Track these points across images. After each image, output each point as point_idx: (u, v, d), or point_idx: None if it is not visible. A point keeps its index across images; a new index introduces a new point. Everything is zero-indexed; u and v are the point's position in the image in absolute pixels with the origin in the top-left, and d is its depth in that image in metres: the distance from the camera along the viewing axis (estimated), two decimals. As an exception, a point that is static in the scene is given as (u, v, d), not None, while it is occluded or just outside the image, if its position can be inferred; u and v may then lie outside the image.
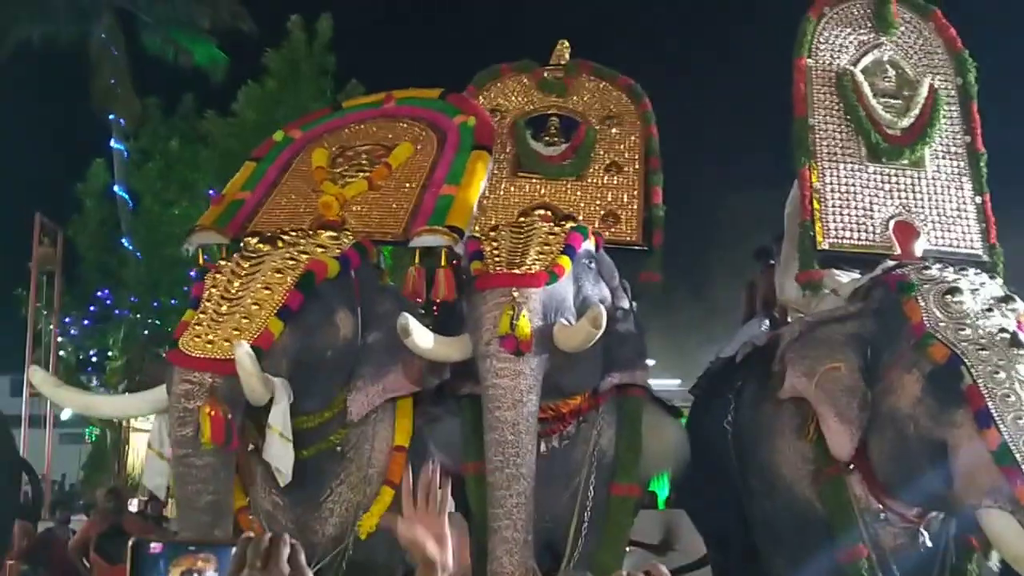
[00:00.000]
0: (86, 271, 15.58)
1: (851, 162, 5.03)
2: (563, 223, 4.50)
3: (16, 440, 5.95)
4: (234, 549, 1.28)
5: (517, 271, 4.09)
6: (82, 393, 4.65)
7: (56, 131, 18.43)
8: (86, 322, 15.37)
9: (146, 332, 15.23)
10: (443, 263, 4.61)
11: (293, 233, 4.38)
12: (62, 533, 8.53)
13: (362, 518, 4.34)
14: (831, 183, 4.94)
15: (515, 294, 3.98)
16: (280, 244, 4.23)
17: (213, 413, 3.66)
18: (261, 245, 4.22)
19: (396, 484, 4.39)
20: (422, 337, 3.99)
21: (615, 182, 5.37)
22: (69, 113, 17.91)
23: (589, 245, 4.41)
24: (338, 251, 4.28)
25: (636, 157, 5.48)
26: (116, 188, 16.25)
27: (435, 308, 5.04)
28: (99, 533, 7.47)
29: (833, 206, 4.89)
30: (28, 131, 17.46)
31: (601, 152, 5.49)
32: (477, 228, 4.89)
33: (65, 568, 7.69)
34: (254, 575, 1.23)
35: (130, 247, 15.80)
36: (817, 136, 5.03)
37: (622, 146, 5.55)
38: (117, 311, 15.33)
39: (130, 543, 1.40)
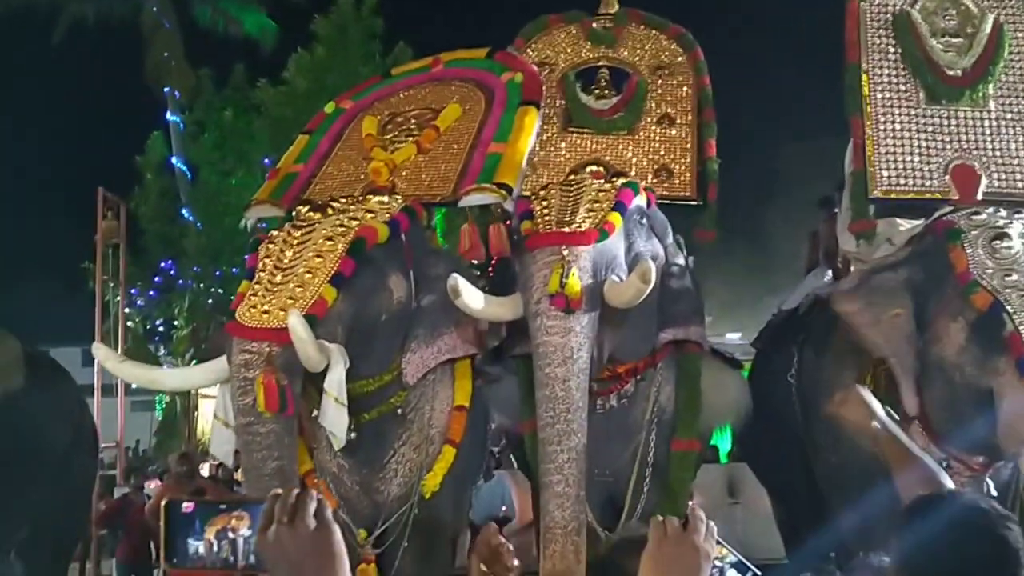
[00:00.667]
0: (149, 243, 15.90)
1: (907, 107, 4.86)
2: (614, 180, 4.43)
3: (90, 410, 6.11)
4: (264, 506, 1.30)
5: (567, 229, 4.05)
6: (146, 368, 4.74)
7: (114, 107, 18.76)
8: (152, 293, 15.73)
9: (210, 301, 15.54)
10: (494, 220, 4.61)
11: (343, 200, 4.40)
12: (137, 498, 8.80)
13: (426, 478, 4.41)
14: (885, 130, 4.79)
15: (565, 252, 3.94)
16: (330, 212, 4.25)
17: (267, 381, 3.71)
18: (312, 214, 4.25)
19: (457, 443, 4.47)
20: (472, 297, 4.00)
21: (667, 135, 5.28)
22: (126, 88, 18.19)
23: (641, 201, 4.34)
24: (388, 215, 4.28)
25: (689, 109, 5.38)
26: (174, 160, 16.50)
27: (491, 268, 5.04)
28: (173, 497, 7.68)
29: (887, 153, 4.74)
30: (87, 108, 17.82)
31: (653, 104, 5.40)
32: (527, 186, 4.87)
33: (142, 531, 7.92)
34: (282, 530, 1.24)
35: (190, 218, 16.07)
36: (871, 82, 4.88)
37: (674, 97, 5.44)
38: (181, 281, 15.66)
39: (163, 503, 1.42)
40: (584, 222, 4.08)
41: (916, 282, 4.15)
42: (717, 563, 1.69)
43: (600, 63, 5.64)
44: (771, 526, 5.78)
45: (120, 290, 11.56)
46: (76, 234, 13.39)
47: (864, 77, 4.87)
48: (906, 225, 4.72)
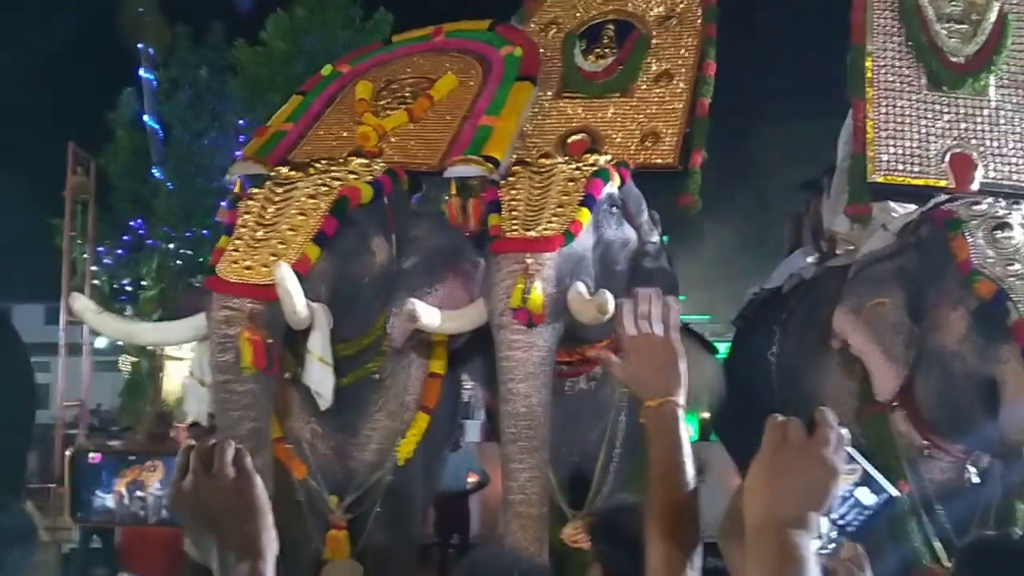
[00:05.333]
0: (118, 201, 15.61)
1: (909, 91, 4.86)
2: (587, 162, 4.35)
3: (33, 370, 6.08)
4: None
5: (532, 233, 3.98)
6: (124, 320, 4.67)
7: (87, 61, 18.35)
8: (120, 252, 15.47)
9: (179, 262, 15.32)
10: (476, 194, 4.55)
11: (324, 161, 4.33)
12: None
13: (399, 444, 4.39)
14: (886, 113, 4.78)
15: (528, 261, 3.89)
16: (311, 171, 4.19)
17: (253, 338, 3.65)
18: (292, 172, 4.18)
19: (431, 410, 4.47)
20: (430, 317, 3.95)
21: (662, 95, 5.17)
22: (99, 43, 17.79)
23: (611, 188, 4.27)
24: (370, 177, 4.23)
25: (690, 63, 5.24)
26: (146, 118, 16.19)
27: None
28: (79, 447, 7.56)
29: (887, 137, 4.74)
30: (59, 61, 17.41)
31: (652, 61, 5.29)
32: (517, 156, 4.81)
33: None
34: (198, 480, 1.15)
35: (161, 177, 15.81)
36: (874, 64, 4.84)
37: (676, 50, 5.31)
38: (150, 241, 15.42)
39: (68, 454, 1.33)
40: (550, 224, 4.00)
41: (911, 271, 4.17)
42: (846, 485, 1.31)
43: (608, 17, 5.54)
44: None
45: (88, 248, 11.33)
46: (41, 189, 13.14)
47: (868, 59, 4.83)
48: (900, 210, 4.72)
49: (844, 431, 1.29)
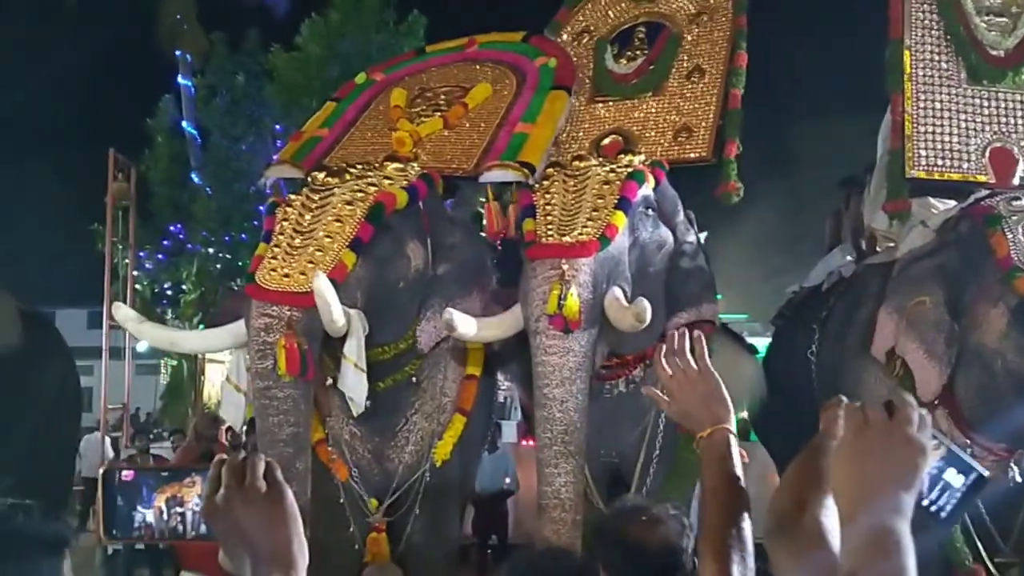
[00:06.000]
0: (158, 206, 15.83)
1: (948, 85, 4.78)
2: (621, 163, 4.34)
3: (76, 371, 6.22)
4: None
5: (567, 239, 3.98)
6: (165, 329, 4.75)
7: (127, 69, 18.64)
8: (160, 257, 15.69)
9: (218, 266, 15.50)
10: (512, 200, 4.57)
11: (360, 166, 4.36)
12: (143, 461, 8.79)
13: (436, 446, 4.42)
14: (925, 108, 4.71)
15: (564, 267, 3.88)
16: (348, 177, 4.21)
17: (289, 345, 3.69)
18: (329, 179, 4.21)
19: (467, 411, 4.50)
20: (466, 326, 3.98)
21: (694, 91, 5.16)
22: (138, 51, 18.05)
23: (646, 191, 4.27)
24: (405, 182, 4.25)
25: (722, 56, 5.23)
26: (184, 124, 16.40)
27: (499, 244, 5.00)
28: (196, 457, 7.66)
29: (926, 132, 4.67)
30: (100, 70, 17.67)
31: (684, 58, 5.29)
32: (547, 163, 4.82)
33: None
34: (231, 494, 1.17)
35: (200, 182, 16.01)
36: (913, 58, 4.77)
37: (708, 45, 5.30)
38: (189, 245, 15.61)
39: (101, 471, 1.35)
40: (585, 230, 4.00)
41: (951, 268, 4.11)
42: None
43: (640, 20, 5.55)
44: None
45: (130, 253, 11.49)
46: (83, 196, 13.34)
47: (907, 54, 4.77)
48: (940, 206, 4.65)
49: (924, 411, 1.27)
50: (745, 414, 5.73)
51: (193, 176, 16.09)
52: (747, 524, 1.56)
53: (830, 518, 1.31)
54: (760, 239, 15.12)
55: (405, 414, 4.43)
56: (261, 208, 5.09)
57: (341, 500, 4.44)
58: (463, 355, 4.52)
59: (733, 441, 1.66)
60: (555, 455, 3.92)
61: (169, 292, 15.98)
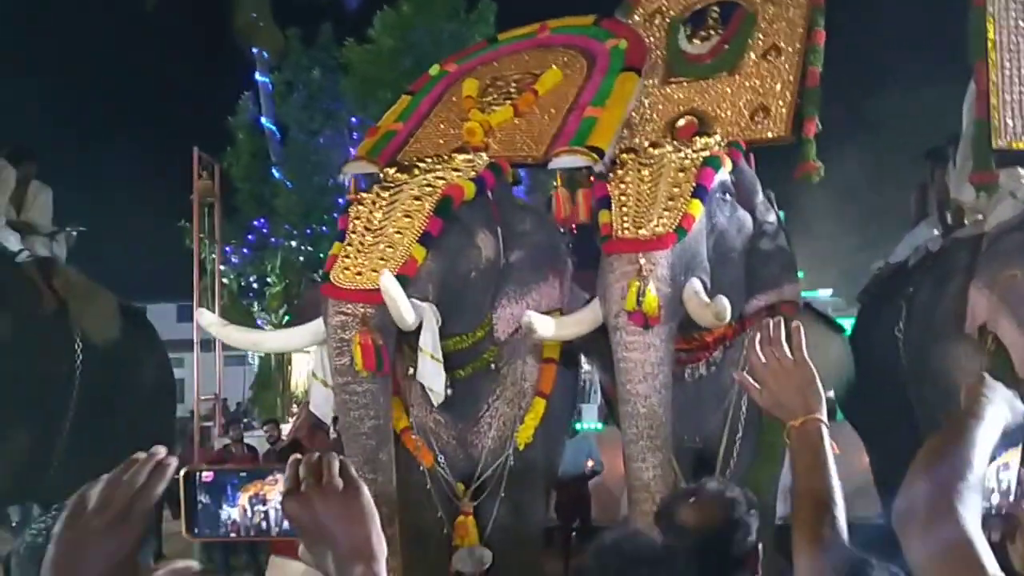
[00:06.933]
0: (242, 202, 16.24)
1: None
2: (696, 147, 4.28)
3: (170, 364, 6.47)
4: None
5: (644, 232, 3.94)
6: (247, 330, 4.89)
7: (207, 68, 19.10)
8: (245, 251, 16.09)
9: (301, 259, 15.84)
10: (583, 184, 4.56)
11: (429, 160, 4.41)
12: (238, 450, 9.07)
13: (519, 430, 4.48)
14: (1010, 77, 4.54)
15: (642, 261, 3.86)
16: (416, 172, 4.27)
17: (364, 342, 3.79)
18: (399, 174, 4.28)
19: (547, 395, 4.54)
20: (545, 327, 4.00)
21: (770, 70, 5.04)
22: (216, 50, 18.49)
23: (723, 175, 4.21)
24: (473, 173, 4.29)
25: (798, 34, 5.10)
26: (263, 120, 16.76)
27: (574, 231, 5.00)
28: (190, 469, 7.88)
29: (1012, 101, 4.50)
30: (181, 71, 18.14)
31: (759, 37, 5.17)
32: (620, 148, 4.79)
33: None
34: (308, 492, 1.20)
35: (280, 177, 16.35)
36: (997, 26, 4.61)
37: (784, 23, 5.17)
38: (273, 239, 15.98)
39: (183, 473, 1.39)
40: (662, 220, 3.96)
41: None
42: None
43: (713, 1, 5.47)
44: (867, 485, 5.66)
45: (216, 248, 11.84)
46: (170, 194, 13.75)
47: (990, 21, 4.60)
48: (1029, 177, 4.51)
49: None
50: (832, 393, 5.64)
51: (274, 171, 16.45)
52: (841, 514, 1.57)
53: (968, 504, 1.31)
54: (844, 214, 14.80)
55: (487, 400, 4.50)
56: (341, 200, 5.18)
57: (428, 486, 4.53)
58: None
59: (825, 432, 1.66)
60: (642, 450, 3.92)
61: (255, 285, 16.40)
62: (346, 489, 1.22)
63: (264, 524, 1.34)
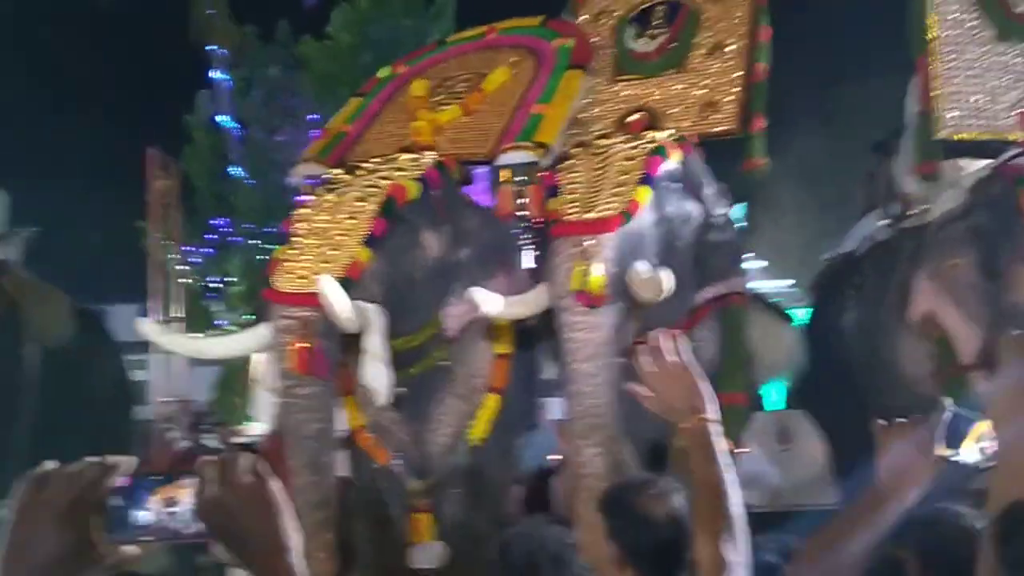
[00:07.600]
0: (201, 201, 16.07)
1: (976, 45, 4.69)
2: (645, 139, 4.34)
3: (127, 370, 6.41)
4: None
5: (590, 215, 4.01)
6: (190, 338, 4.89)
7: (161, 66, 18.87)
8: (206, 250, 15.94)
9: (263, 257, 15.69)
10: (534, 181, 4.59)
11: (374, 160, 4.42)
12: (200, 452, 8.98)
13: (471, 426, 4.49)
14: (952, 69, 4.63)
15: (587, 243, 3.91)
16: (360, 172, 4.29)
17: (299, 346, 3.79)
18: (344, 176, 4.28)
19: (500, 390, 4.54)
20: (492, 304, 4.00)
21: (717, 66, 5.10)
22: (172, 47, 18.27)
23: (670, 164, 4.27)
24: (418, 172, 4.30)
25: (743, 32, 5.15)
26: (220, 118, 16.60)
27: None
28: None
29: (953, 93, 4.59)
30: (135, 68, 17.90)
31: (705, 34, 5.22)
32: (571, 144, 4.81)
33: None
34: (217, 490, 1.23)
35: (240, 175, 16.22)
36: (939, 19, 4.69)
37: (727, 22, 5.21)
38: (233, 239, 15.85)
39: None
40: (608, 205, 4.01)
41: (983, 229, 4.08)
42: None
43: (657, 1, 5.50)
44: (824, 473, 5.72)
45: (175, 248, 11.73)
46: (125, 194, 13.59)
47: (932, 14, 4.68)
48: (970, 167, 4.59)
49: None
50: (784, 382, 5.71)
51: (231, 170, 16.30)
52: (737, 505, 1.70)
53: None
54: (804, 204, 14.94)
55: (439, 398, 4.51)
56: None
57: (383, 484, 4.52)
58: (492, 335, 4.56)
59: (714, 429, 1.82)
60: (586, 428, 3.98)
61: (219, 286, 16.25)
62: (254, 483, 1.24)
63: (175, 526, 1.35)
